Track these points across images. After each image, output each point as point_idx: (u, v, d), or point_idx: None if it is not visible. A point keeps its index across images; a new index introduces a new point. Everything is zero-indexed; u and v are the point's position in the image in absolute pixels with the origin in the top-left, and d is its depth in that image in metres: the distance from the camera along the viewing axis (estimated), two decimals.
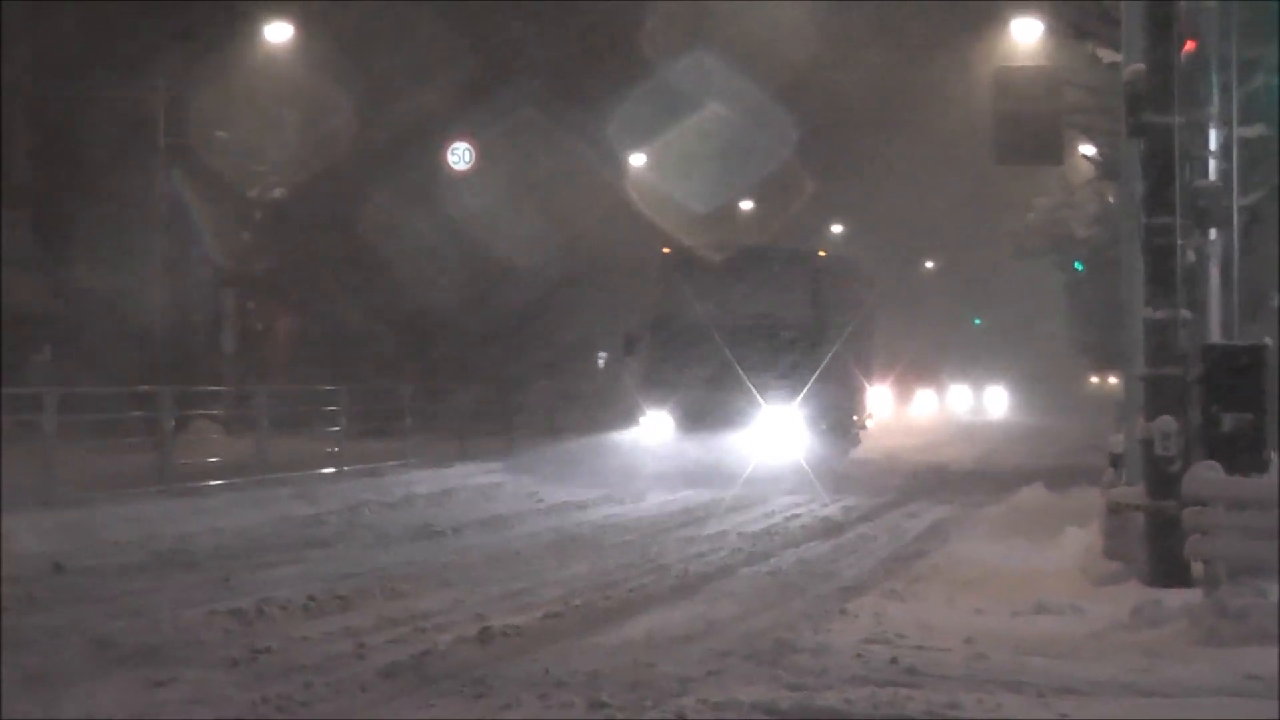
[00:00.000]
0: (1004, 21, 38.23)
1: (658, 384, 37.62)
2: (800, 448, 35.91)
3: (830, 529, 25.36)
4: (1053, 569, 18.81)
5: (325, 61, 46.10)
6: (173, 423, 27.70)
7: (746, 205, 77.30)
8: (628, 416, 39.37)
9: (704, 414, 36.51)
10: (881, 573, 19.49)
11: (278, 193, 47.85)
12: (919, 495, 32.12)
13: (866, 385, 44.62)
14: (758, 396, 36.25)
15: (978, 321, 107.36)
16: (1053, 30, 34.84)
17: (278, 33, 44.72)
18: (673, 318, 37.88)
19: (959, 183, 72.10)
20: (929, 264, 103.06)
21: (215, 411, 38.63)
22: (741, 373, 35.88)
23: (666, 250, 40.43)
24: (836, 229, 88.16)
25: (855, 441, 43.07)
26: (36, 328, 42.51)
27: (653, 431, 37.46)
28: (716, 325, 36.78)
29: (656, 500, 30.15)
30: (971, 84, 42.02)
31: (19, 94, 43.15)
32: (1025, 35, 37.33)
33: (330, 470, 31.10)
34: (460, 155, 48.82)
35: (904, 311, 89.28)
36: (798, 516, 27.21)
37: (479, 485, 31.98)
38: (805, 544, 23.06)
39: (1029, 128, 28.36)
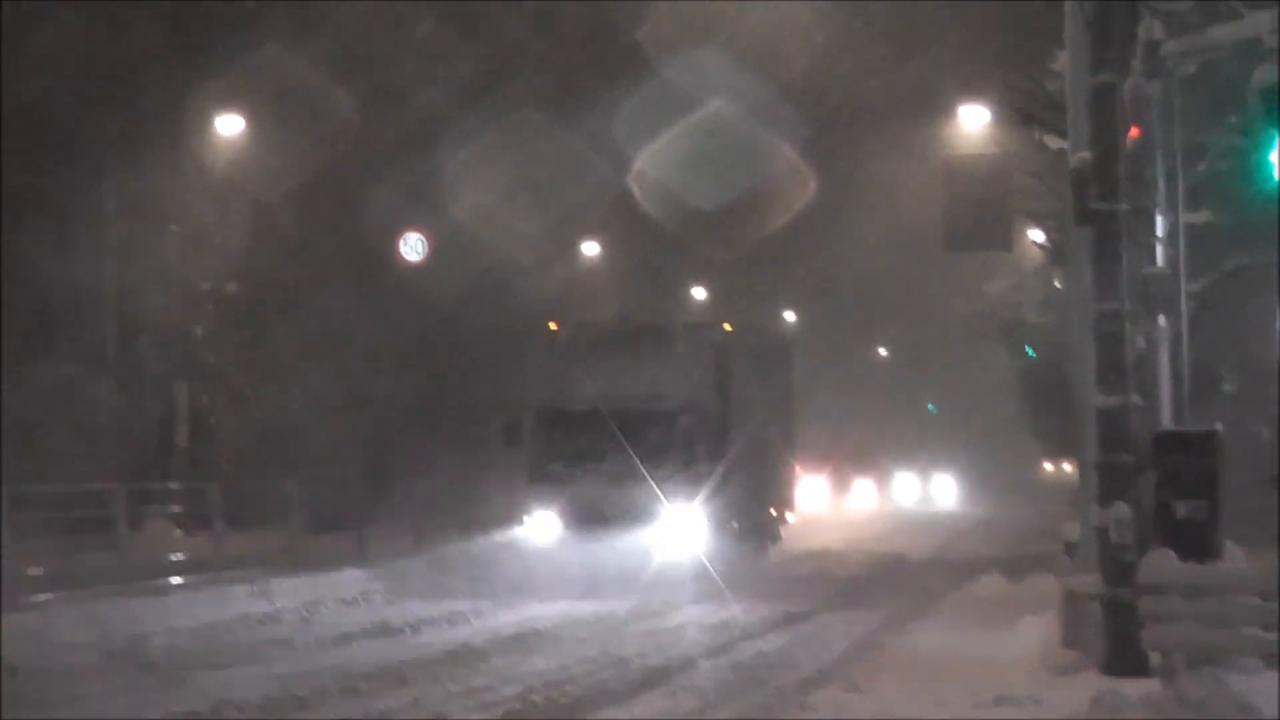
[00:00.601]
0: (951, 108, 38.45)
1: (544, 479, 33.16)
2: (707, 548, 32.16)
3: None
4: (1011, 658, 18.78)
5: (275, 151, 46.07)
6: (126, 521, 27.51)
7: (699, 293, 77.49)
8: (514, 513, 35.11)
9: (596, 513, 32.23)
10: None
11: (230, 286, 47.71)
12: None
13: (789, 474, 41.46)
14: (657, 491, 31.96)
15: (932, 408, 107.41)
16: (999, 117, 35.09)
17: (229, 125, 44.73)
18: (560, 402, 33.54)
19: (911, 269, 72.31)
20: (881, 350, 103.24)
21: (170, 508, 38.41)
22: (639, 464, 31.88)
23: (553, 325, 35.69)
24: (789, 316, 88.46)
25: (775, 538, 39.34)
26: None
27: (539, 533, 32.94)
28: (610, 411, 32.58)
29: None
30: (920, 169, 42.26)
31: None
32: (972, 122, 37.55)
33: (285, 566, 30.94)
34: (413, 246, 48.82)
35: (851, 397, 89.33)
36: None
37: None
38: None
39: (978, 214, 28.55)
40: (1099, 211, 17.14)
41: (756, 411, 36.48)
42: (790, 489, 41.28)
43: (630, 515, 32.11)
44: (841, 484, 69.04)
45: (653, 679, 18.50)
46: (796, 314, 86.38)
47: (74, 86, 40.99)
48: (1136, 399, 17.28)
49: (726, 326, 36.76)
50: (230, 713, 15.47)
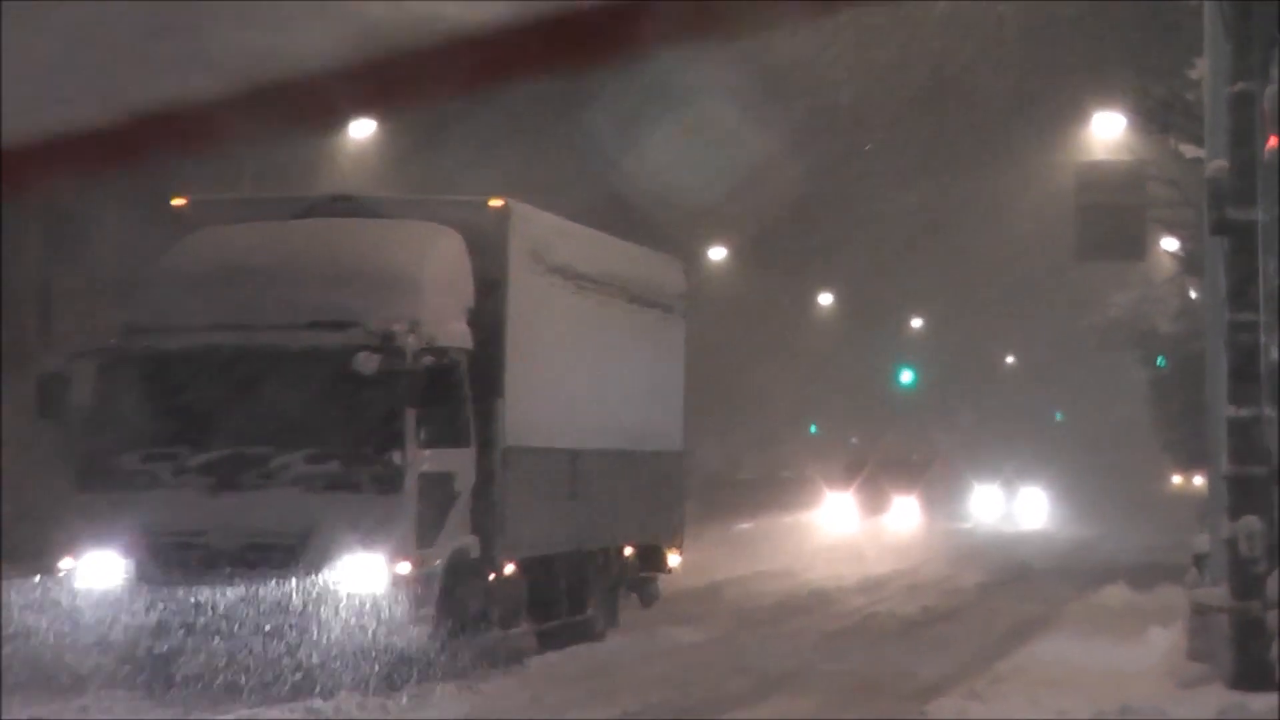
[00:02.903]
0: (1085, 115, 38.17)
1: (103, 483, 18.39)
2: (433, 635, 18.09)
3: None
4: (1136, 670, 18.60)
5: (405, 158, 46.42)
6: None
7: (825, 299, 77.50)
8: None
9: (195, 551, 18.03)
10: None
11: None
12: None
13: (671, 495, 26.33)
14: (326, 512, 17.96)
15: (1060, 416, 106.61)
16: (1134, 125, 34.79)
17: (361, 128, 45.08)
18: (151, 338, 18.73)
19: (1040, 276, 71.81)
20: (1009, 358, 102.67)
21: None
22: (293, 455, 18.07)
23: (179, 201, 20.93)
24: (916, 322, 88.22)
25: (649, 596, 24.89)
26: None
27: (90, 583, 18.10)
28: (241, 350, 18.50)
29: None
30: (1053, 176, 41.96)
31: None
32: (1107, 130, 37.26)
33: None
34: None
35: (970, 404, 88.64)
36: None
37: None
38: None
39: (1111, 223, 28.34)
40: (1235, 221, 16.93)
41: (583, 375, 22.38)
42: (673, 518, 25.58)
43: (263, 559, 17.85)
44: (874, 501, 53.91)
45: None
46: (923, 318, 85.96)
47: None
48: (1269, 411, 17.05)
49: (496, 204, 20.31)
50: None
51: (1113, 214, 28.33)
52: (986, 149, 50.05)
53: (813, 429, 79.88)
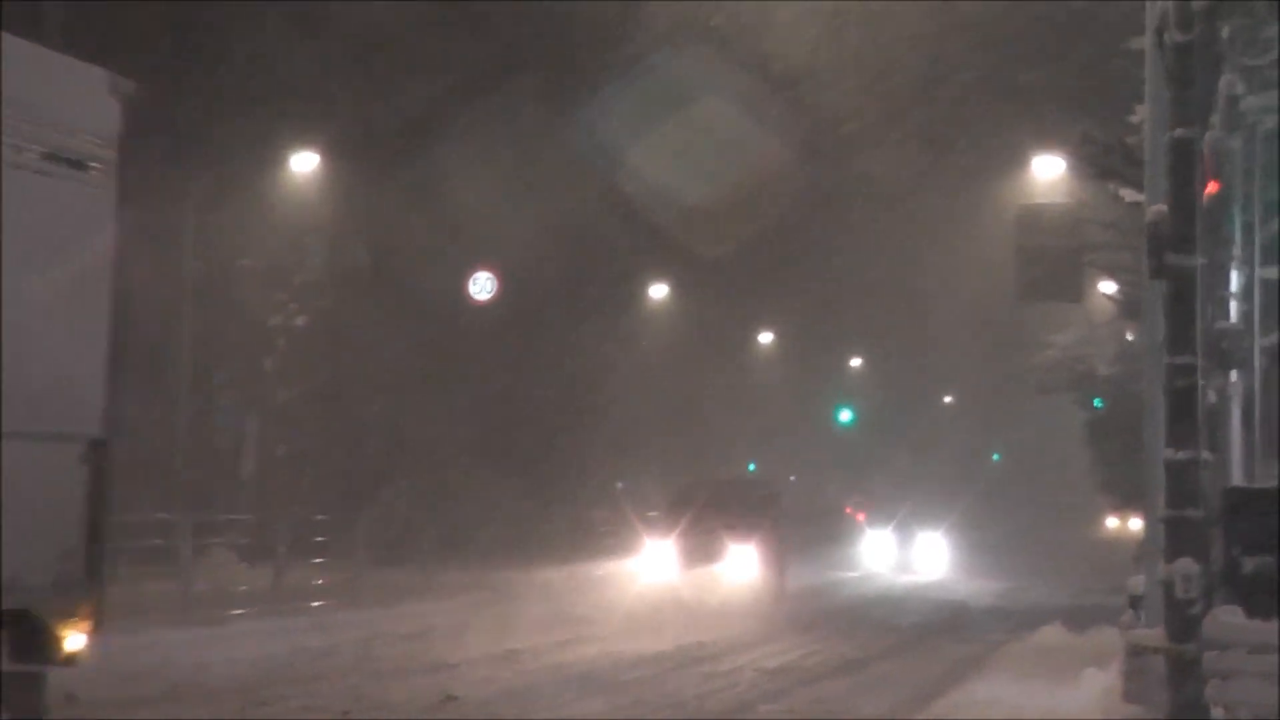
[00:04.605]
0: (1027, 159, 38.40)
1: None
2: None
3: None
4: (1072, 711, 18.67)
5: (350, 190, 46.37)
6: (191, 551, 27.71)
7: (765, 337, 77.73)
8: None
9: None
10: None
11: (300, 320, 47.98)
12: None
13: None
14: None
15: (997, 457, 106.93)
16: (1074, 169, 34.98)
17: (304, 162, 45.04)
18: None
19: (981, 317, 72.07)
20: (947, 398, 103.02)
21: (234, 539, 38.64)
22: None
23: None
24: (856, 361, 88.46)
25: None
26: None
27: None
28: None
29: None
30: (993, 218, 42.17)
31: None
32: (1046, 172, 37.50)
33: (347, 599, 30.98)
34: (482, 285, 49.12)
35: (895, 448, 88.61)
36: None
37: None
38: None
39: (1050, 265, 28.46)
40: (1174, 266, 17.04)
41: None
42: (70, 564, 14.15)
43: None
44: (703, 549, 42.32)
45: None
46: (863, 359, 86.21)
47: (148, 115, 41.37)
48: (1206, 454, 17.15)
49: None
50: None
51: (1052, 256, 28.42)
52: (928, 190, 50.28)
53: (751, 467, 79.96)
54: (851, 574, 53.78)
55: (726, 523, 42.57)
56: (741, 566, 42.17)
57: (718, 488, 46.43)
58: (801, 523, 58.34)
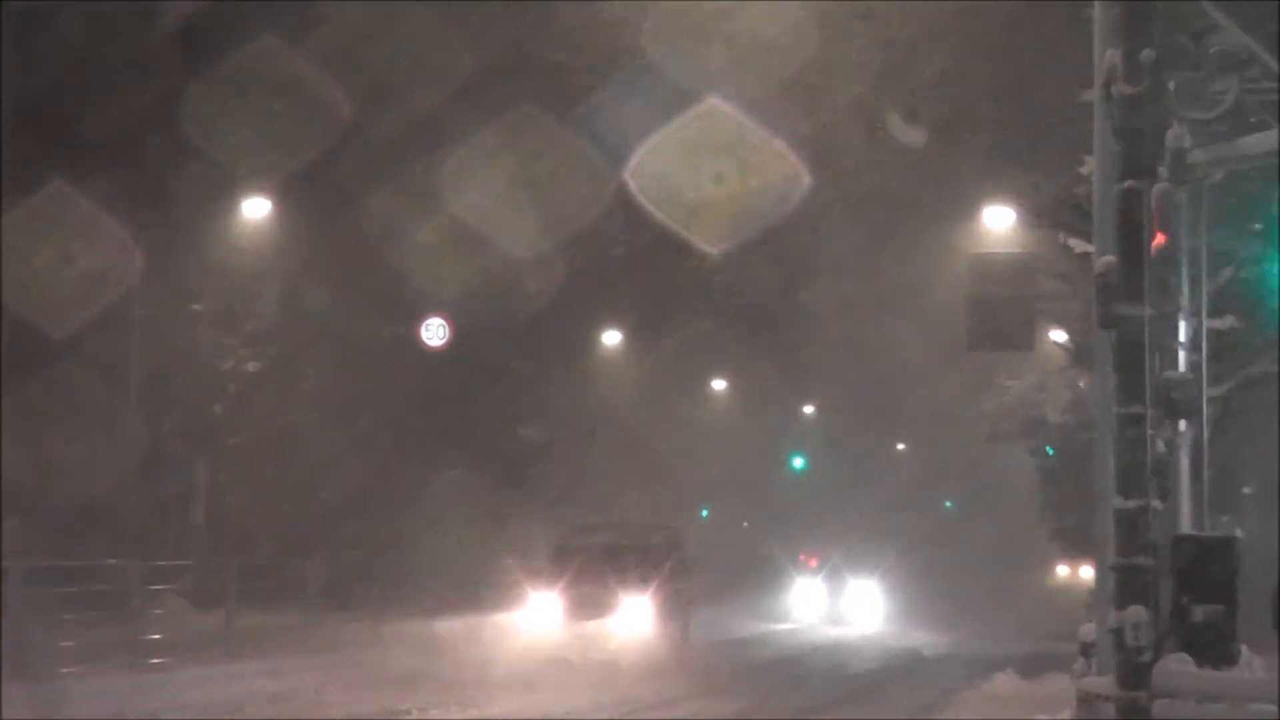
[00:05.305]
0: (978, 209, 38.61)
1: None
2: None
3: None
4: None
5: (302, 236, 46.35)
6: (140, 597, 27.61)
7: (719, 385, 77.82)
8: None
9: None
10: None
11: (251, 366, 47.87)
12: None
13: None
14: None
15: (949, 505, 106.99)
16: (1024, 219, 35.20)
17: (255, 208, 45.03)
18: None
19: (934, 365, 72.25)
20: (900, 445, 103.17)
21: (183, 585, 38.47)
22: None
23: None
24: (809, 409, 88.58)
25: None
26: (4, 497, 42.30)
27: None
28: None
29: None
30: (945, 268, 42.35)
31: None
32: (997, 223, 37.71)
33: (297, 645, 30.90)
34: (434, 331, 49.07)
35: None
36: None
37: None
38: None
39: (1002, 314, 28.58)
40: (1123, 316, 17.13)
41: None
42: None
43: None
44: (591, 600, 39.05)
45: None
46: (816, 407, 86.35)
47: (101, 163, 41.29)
48: (1156, 503, 17.22)
49: None
50: None
51: (1003, 305, 28.54)
52: (882, 240, 50.51)
53: (704, 513, 79.95)
54: (784, 626, 50.77)
55: (617, 571, 39.32)
56: (635, 619, 38.61)
57: (610, 531, 43.19)
58: (736, 570, 58.57)
